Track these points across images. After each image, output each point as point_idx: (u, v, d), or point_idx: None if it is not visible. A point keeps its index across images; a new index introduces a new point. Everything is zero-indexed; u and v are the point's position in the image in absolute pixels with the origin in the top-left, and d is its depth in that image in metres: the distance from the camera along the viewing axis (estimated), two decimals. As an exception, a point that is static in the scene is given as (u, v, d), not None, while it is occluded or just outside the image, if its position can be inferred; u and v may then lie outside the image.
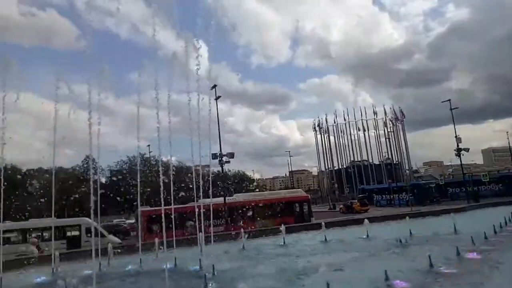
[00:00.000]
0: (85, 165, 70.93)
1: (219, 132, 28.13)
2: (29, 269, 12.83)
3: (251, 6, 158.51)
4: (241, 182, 75.04)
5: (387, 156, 76.06)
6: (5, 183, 11.64)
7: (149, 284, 10.17)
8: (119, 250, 15.20)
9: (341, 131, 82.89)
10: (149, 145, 48.63)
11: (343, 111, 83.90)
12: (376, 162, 78.66)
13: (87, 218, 21.94)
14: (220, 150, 27.61)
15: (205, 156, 14.82)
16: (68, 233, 21.54)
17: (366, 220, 16.41)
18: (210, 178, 15.56)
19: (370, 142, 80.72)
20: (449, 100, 36.53)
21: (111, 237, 21.96)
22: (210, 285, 8.44)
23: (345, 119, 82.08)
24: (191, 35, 14.61)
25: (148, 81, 14.17)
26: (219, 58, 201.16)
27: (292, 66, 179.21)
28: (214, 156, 29.45)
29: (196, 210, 13.85)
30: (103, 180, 71.83)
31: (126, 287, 10.13)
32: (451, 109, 35.89)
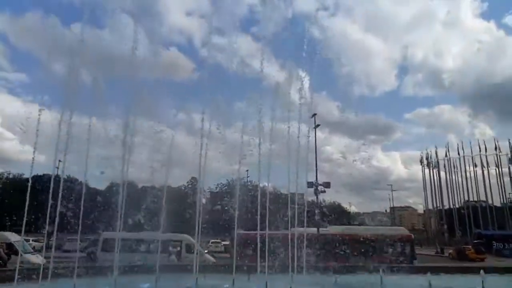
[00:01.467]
0: (189, 186, 77.17)
1: (316, 161, 28.01)
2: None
3: (357, 36, 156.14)
4: (336, 214, 72.49)
5: (512, 198, 65.52)
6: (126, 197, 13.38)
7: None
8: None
9: (453, 167, 74.26)
10: (247, 170, 50.61)
11: (457, 144, 75.17)
12: (497, 204, 68.22)
13: (188, 236, 23.60)
14: (316, 179, 27.35)
15: (301, 185, 14.90)
16: (171, 248, 23.36)
17: (482, 271, 14.21)
18: (305, 206, 15.47)
19: (490, 180, 70.29)
20: None
21: (207, 256, 23.14)
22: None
23: (459, 153, 73.30)
24: (294, 66, 15.24)
25: (252, 110, 15.09)
26: (320, 87, 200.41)
27: (398, 95, 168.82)
28: (310, 184, 29.25)
29: (289, 237, 13.81)
30: (204, 201, 76.88)
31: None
32: None
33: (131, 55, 14.79)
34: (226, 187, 68.89)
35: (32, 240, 32.81)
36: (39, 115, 12.12)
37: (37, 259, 17.63)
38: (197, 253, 14.55)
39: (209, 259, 23.07)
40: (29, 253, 20.51)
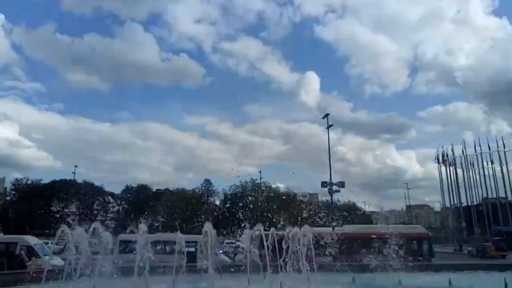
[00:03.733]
0: (203, 188, 77.87)
1: (329, 161, 27.87)
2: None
3: (366, 37, 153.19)
4: (352, 213, 71.91)
5: (532, 194, 63.68)
6: (138, 200, 13.52)
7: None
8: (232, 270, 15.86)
9: (471, 164, 72.46)
10: (260, 171, 50.75)
11: (474, 141, 73.38)
12: (517, 200, 66.43)
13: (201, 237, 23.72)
14: (330, 179, 27.15)
15: (315, 185, 14.79)
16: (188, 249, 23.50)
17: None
18: (318, 205, 15.33)
19: (509, 177, 68.35)
20: None
21: (222, 256, 23.23)
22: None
23: (475, 150, 71.68)
24: (304, 68, 15.22)
25: (263, 113, 15.13)
26: (330, 88, 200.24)
27: (411, 94, 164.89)
28: (324, 184, 28.99)
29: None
30: (218, 202, 77.60)
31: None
32: None
33: (143, 62, 14.96)
34: (239, 189, 69.44)
35: (51, 243, 33.41)
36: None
37: (56, 261, 17.94)
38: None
39: (225, 259, 23.09)
40: (47, 255, 20.92)
